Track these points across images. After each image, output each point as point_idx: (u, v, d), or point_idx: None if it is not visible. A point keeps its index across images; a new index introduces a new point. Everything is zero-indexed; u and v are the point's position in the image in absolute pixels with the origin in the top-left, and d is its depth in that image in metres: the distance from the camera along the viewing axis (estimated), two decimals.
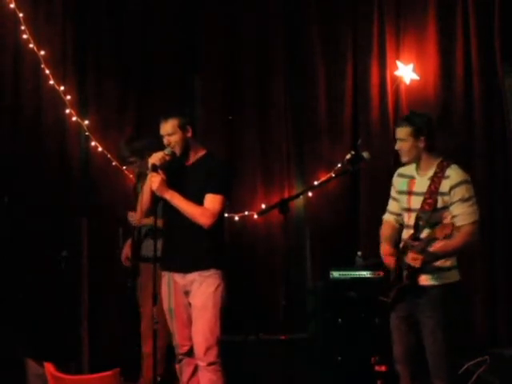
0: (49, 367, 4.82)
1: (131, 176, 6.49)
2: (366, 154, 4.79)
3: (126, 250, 5.78)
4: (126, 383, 5.57)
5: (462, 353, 5.68)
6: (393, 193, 4.72)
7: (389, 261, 4.55)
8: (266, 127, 6.83)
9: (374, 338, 5.74)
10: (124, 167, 6.31)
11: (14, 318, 6.02)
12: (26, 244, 6.23)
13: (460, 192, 4.38)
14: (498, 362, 5.62)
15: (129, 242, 5.77)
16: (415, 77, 6.55)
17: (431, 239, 4.32)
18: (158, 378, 5.20)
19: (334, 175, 6.45)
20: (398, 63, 6.58)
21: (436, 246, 4.35)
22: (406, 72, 6.56)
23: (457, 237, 4.34)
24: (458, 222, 4.36)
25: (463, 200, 4.38)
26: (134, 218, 5.55)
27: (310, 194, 6.59)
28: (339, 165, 6.52)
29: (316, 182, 6.56)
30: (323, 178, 6.54)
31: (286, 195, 6.48)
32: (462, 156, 6.44)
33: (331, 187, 6.54)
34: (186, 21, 6.82)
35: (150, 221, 5.47)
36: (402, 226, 4.64)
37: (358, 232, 6.66)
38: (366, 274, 6.00)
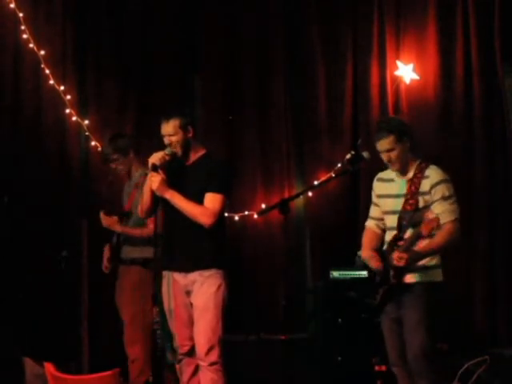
0: (49, 367, 4.82)
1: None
2: (365, 154, 4.79)
3: (106, 253, 5.70)
4: (125, 383, 5.57)
5: (462, 353, 5.69)
6: (373, 198, 4.76)
7: (375, 263, 4.55)
8: (266, 127, 6.83)
9: (373, 337, 5.73)
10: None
11: (14, 318, 6.01)
12: (26, 244, 6.23)
13: (440, 190, 4.44)
14: (498, 362, 5.62)
15: (108, 245, 5.71)
16: (415, 77, 6.55)
17: (416, 237, 4.36)
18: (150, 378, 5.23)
19: (334, 175, 6.44)
20: (398, 63, 6.57)
21: (420, 245, 4.40)
22: (405, 72, 6.55)
23: (439, 235, 4.40)
24: (440, 220, 4.38)
25: (444, 198, 4.43)
26: (105, 220, 5.51)
27: (310, 193, 6.59)
28: (339, 165, 6.52)
29: (316, 182, 6.55)
30: (323, 178, 6.54)
31: (286, 195, 6.48)
32: (461, 156, 6.46)
33: (331, 187, 6.54)
34: (186, 21, 6.82)
35: (121, 228, 5.50)
36: (383, 232, 4.68)
37: (358, 232, 6.60)
38: (365, 274, 5.97)
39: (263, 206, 6.58)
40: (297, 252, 6.75)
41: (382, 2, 6.69)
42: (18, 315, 6.06)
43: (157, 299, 4.72)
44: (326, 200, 6.65)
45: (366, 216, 6.50)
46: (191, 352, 4.71)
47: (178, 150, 4.68)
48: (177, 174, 4.71)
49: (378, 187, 4.71)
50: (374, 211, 4.76)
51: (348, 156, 5.07)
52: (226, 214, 6.34)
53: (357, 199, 6.68)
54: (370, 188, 6.50)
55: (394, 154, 4.49)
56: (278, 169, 6.78)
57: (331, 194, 6.62)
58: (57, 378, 4.76)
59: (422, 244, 4.40)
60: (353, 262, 6.16)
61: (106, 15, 6.72)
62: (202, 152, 4.77)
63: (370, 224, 4.78)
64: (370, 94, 6.66)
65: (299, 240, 6.77)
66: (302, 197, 6.38)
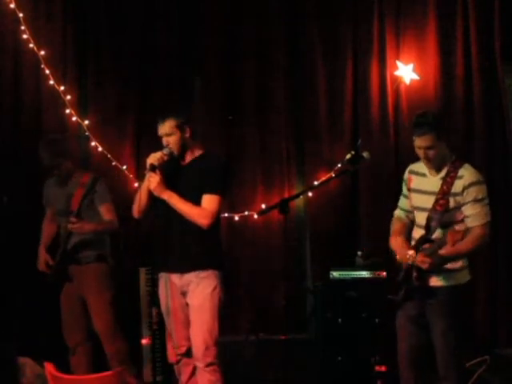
0: (49, 367, 4.81)
1: (131, 176, 6.50)
2: (365, 154, 4.77)
3: (45, 255, 5.61)
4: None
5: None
6: (404, 190, 4.68)
7: (402, 255, 4.44)
8: (266, 127, 6.82)
9: (374, 337, 5.74)
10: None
11: (14, 318, 6.01)
12: (25, 244, 6.22)
13: (473, 192, 4.33)
14: (498, 362, 5.62)
15: (43, 245, 5.65)
16: (415, 77, 6.56)
17: (442, 243, 4.28)
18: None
19: (334, 175, 6.45)
20: (398, 63, 6.58)
21: (447, 248, 4.29)
22: (406, 72, 6.57)
23: (468, 239, 4.30)
24: (470, 223, 4.33)
25: (476, 201, 4.33)
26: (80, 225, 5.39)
27: (310, 193, 6.59)
28: (339, 165, 6.52)
29: (316, 182, 6.55)
30: (323, 178, 6.54)
31: (286, 195, 6.48)
32: (461, 156, 6.45)
33: (331, 187, 6.54)
34: (186, 21, 6.81)
35: (94, 227, 5.44)
36: (412, 223, 4.60)
37: (358, 232, 6.66)
38: (365, 274, 6.00)
39: (263, 206, 6.57)
40: (297, 252, 6.75)
41: (382, 2, 6.69)
42: (17, 315, 6.06)
43: (155, 300, 4.72)
44: (326, 200, 6.65)
45: (366, 216, 6.59)
46: (189, 352, 4.71)
47: (176, 150, 4.67)
48: (173, 174, 4.70)
49: (409, 180, 4.61)
50: (403, 203, 4.68)
51: (348, 156, 5.06)
52: (226, 214, 6.38)
53: (357, 199, 6.69)
54: (370, 188, 6.58)
55: (432, 153, 4.37)
56: (277, 169, 6.77)
57: (331, 194, 6.62)
58: (57, 378, 4.75)
59: (449, 248, 4.29)
60: (353, 262, 6.22)
61: (105, 15, 6.71)
62: (199, 152, 4.77)
63: (398, 213, 4.71)
64: (370, 93, 6.67)
65: (299, 240, 6.77)
66: (301, 197, 6.39)
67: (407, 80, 6.57)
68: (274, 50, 6.82)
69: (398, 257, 4.51)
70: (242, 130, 6.82)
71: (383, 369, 5.63)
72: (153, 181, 4.61)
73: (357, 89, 6.73)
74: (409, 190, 4.62)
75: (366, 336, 5.80)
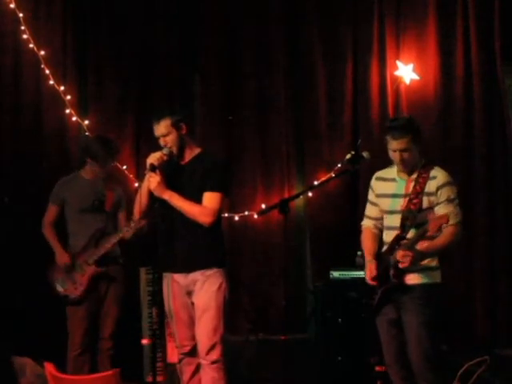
0: (49, 367, 4.81)
1: (131, 176, 6.51)
2: (365, 154, 4.77)
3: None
4: (125, 383, 5.57)
5: (462, 353, 5.70)
6: (371, 197, 4.72)
7: (369, 273, 4.55)
8: (265, 127, 6.82)
9: (374, 338, 5.74)
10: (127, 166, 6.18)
11: (14, 318, 6.01)
12: (25, 244, 6.22)
13: (446, 192, 4.42)
14: (498, 362, 5.61)
15: (59, 246, 5.64)
16: (415, 77, 6.56)
17: (419, 236, 4.32)
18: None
19: (333, 175, 6.45)
20: (398, 63, 6.59)
21: (422, 246, 4.36)
22: (406, 72, 6.57)
23: (442, 236, 4.38)
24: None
25: (449, 200, 4.41)
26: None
27: (310, 194, 6.59)
28: (339, 165, 6.52)
29: (316, 182, 6.56)
30: (323, 178, 6.54)
31: (286, 195, 6.48)
32: (461, 156, 6.47)
33: (331, 187, 6.54)
34: (185, 21, 6.82)
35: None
36: (381, 232, 4.66)
37: (358, 232, 6.64)
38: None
39: (263, 206, 6.58)
40: (297, 252, 6.76)
41: (382, 2, 6.70)
42: (16, 315, 6.06)
43: (156, 300, 4.72)
44: (326, 200, 6.65)
45: None
46: (192, 352, 4.71)
47: (174, 149, 4.67)
48: (172, 173, 4.70)
49: (377, 186, 4.68)
50: (371, 211, 4.73)
51: (348, 156, 5.06)
52: (226, 214, 6.37)
53: (357, 199, 6.68)
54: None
55: (407, 154, 4.45)
56: (278, 169, 6.78)
57: (331, 194, 6.62)
58: (57, 378, 4.75)
59: (424, 244, 4.36)
60: (353, 262, 6.22)
61: (105, 15, 6.72)
62: (197, 151, 4.76)
63: (367, 224, 4.75)
64: (370, 94, 6.67)
65: (299, 240, 6.78)
66: (301, 197, 6.39)
67: (407, 80, 6.57)
68: (274, 51, 6.83)
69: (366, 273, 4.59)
70: (242, 130, 6.83)
71: (383, 369, 5.62)
72: (153, 181, 4.60)
73: (357, 89, 6.74)
74: (377, 196, 4.66)
75: (365, 336, 5.79)
